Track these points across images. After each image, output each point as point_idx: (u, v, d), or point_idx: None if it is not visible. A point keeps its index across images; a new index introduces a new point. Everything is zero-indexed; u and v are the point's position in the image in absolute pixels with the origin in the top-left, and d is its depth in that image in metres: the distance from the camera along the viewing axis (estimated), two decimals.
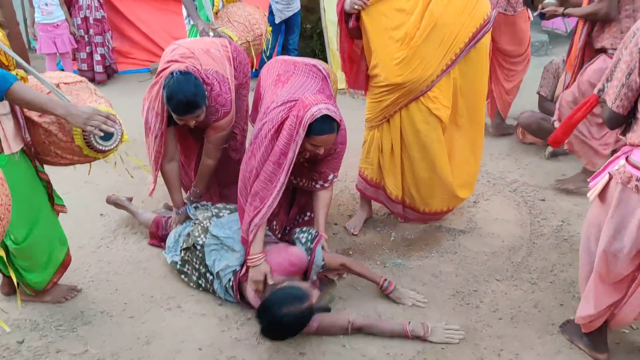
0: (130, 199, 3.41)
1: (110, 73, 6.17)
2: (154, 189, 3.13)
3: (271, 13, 5.58)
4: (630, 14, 3.19)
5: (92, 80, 5.98)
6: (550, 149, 4.17)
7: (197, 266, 2.73)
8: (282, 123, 2.46)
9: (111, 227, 3.33)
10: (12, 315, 2.56)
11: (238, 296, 2.62)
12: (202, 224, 2.79)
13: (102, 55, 5.98)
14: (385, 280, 2.68)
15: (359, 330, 2.46)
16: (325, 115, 2.42)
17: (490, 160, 4.16)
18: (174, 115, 2.73)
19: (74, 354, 2.35)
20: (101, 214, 3.45)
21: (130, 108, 5.23)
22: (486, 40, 2.84)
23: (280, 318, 2.22)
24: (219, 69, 2.89)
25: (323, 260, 2.57)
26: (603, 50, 3.30)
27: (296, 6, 5.63)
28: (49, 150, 2.35)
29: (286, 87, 2.68)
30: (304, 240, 2.62)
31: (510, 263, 2.99)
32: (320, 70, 2.87)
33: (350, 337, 2.45)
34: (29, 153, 2.35)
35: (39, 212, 2.41)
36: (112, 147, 2.41)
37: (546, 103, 4.23)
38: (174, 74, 2.67)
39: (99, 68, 5.98)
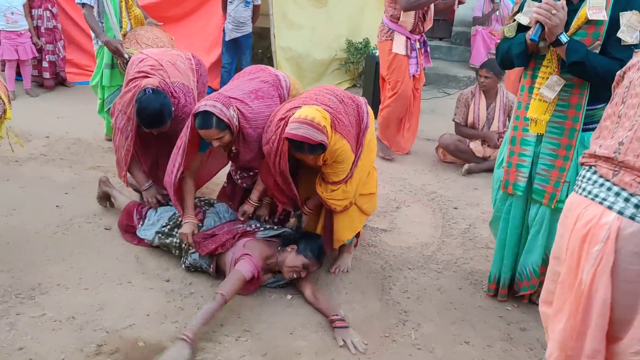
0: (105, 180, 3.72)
1: (60, 80, 6.47)
2: (126, 183, 3.55)
3: (224, 31, 6.20)
4: None
5: (41, 85, 6.35)
6: (466, 166, 4.76)
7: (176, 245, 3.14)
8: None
9: (67, 217, 3.61)
10: None
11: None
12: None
13: (51, 63, 6.29)
14: (337, 316, 2.76)
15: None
16: (205, 111, 2.71)
17: (414, 175, 4.72)
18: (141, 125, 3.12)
19: (32, 317, 2.63)
20: (57, 206, 3.73)
21: (84, 115, 5.55)
22: None
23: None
24: (185, 81, 3.29)
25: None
26: None
27: (246, 30, 6.16)
28: None
29: (228, 85, 3.09)
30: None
31: (422, 256, 3.48)
32: (279, 80, 3.09)
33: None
34: None
35: None
36: None
37: (462, 128, 4.84)
38: (147, 91, 3.04)
39: (46, 74, 6.29)
